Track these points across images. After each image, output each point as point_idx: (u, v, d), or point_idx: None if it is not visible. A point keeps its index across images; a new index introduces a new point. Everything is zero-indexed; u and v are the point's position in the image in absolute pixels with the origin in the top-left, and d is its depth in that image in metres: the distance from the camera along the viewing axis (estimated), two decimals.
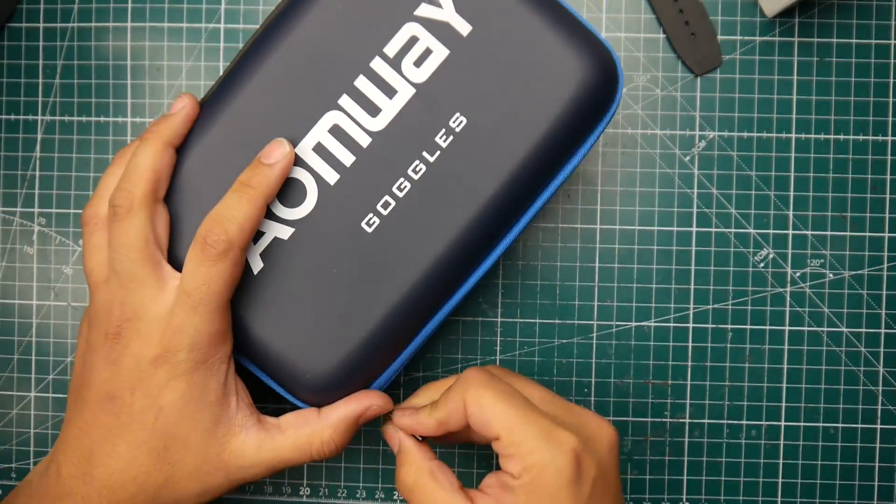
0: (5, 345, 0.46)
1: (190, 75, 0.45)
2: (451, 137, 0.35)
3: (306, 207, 0.36)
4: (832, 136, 0.44)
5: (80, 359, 0.36)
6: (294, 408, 0.37)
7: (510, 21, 0.35)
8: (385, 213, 0.35)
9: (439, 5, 0.35)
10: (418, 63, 0.35)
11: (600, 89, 0.35)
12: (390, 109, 0.35)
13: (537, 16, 0.35)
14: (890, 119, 0.44)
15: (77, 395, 0.35)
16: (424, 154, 0.35)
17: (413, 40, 0.35)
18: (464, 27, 0.35)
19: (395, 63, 0.35)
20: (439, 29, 0.35)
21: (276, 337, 0.36)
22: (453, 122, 0.35)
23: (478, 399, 0.33)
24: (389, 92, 0.35)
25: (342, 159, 0.36)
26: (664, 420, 0.44)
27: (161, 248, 0.35)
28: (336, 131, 0.36)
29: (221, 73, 0.35)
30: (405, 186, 0.35)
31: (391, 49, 0.35)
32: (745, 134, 0.44)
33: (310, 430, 0.35)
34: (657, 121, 0.44)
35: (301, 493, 0.45)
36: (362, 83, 0.35)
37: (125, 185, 0.34)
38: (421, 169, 0.35)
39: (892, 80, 0.44)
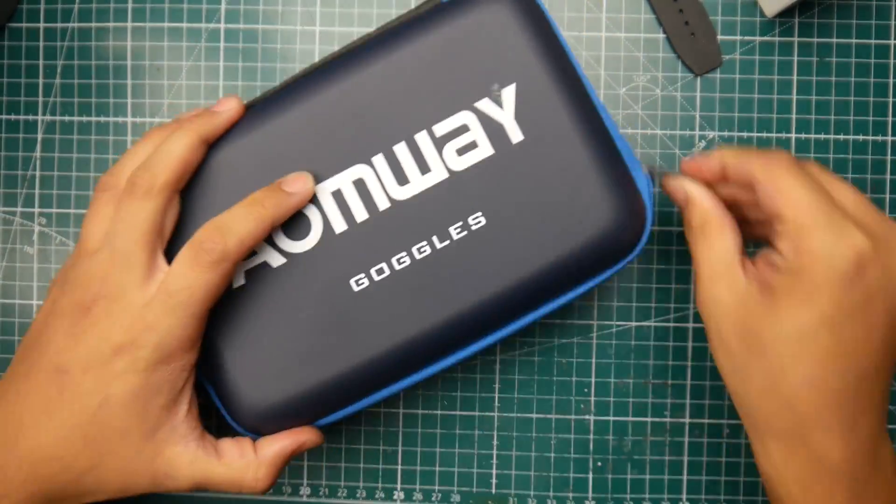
0: (5, 345, 0.46)
1: (190, 75, 0.45)
2: (464, 233, 0.35)
3: (305, 245, 0.36)
4: (832, 136, 0.44)
5: (41, 319, 0.35)
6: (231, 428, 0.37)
7: (560, 145, 0.35)
8: (376, 279, 0.35)
9: (501, 106, 0.35)
10: (461, 152, 0.35)
11: (621, 240, 0.35)
12: (418, 185, 0.35)
13: (587, 149, 0.35)
14: (890, 119, 0.44)
15: (26, 356, 0.34)
16: (434, 238, 0.35)
17: (463, 129, 0.35)
18: (516, 135, 0.35)
19: (439, 144, 0.35)
20: (492, 128, 0.35)
21: (232, 354, 0.36)
22: (472, 220, 0.35)
23: (774, 173, 0.33)
24: (423, 168, 0.35)
25: (356, 213, 0.36)
26: (664, 420, 0.44)
27: (163, 240, 0.34)
28: (359, 185, 0.36)
29: (281, 80, 0.35)
30: (404, 261, 0.35)
31: (440, 129, 0.35)
32: (745, 134, 0.44)
33: (245, 464, 0.35)
34: (657, 121, 0.44)
35: (301, 492, 0.45)
36: (401, 150, 0.35)
37: (151, 167, 0.34)
38: (425, 251, 0.35)
39: (892, 80, 0.44)
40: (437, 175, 0.35)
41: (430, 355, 0.36)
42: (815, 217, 0.31)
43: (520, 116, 0.35)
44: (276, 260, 0.36)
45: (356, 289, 0.35)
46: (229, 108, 0.36)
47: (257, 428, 0.36)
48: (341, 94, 0.36)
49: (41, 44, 0.45)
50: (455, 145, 0.35)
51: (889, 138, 0.44)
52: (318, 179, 0.36)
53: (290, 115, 0.36)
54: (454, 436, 0.45)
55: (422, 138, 0.35)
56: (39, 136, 0.46)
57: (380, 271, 0.35)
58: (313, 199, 0.36)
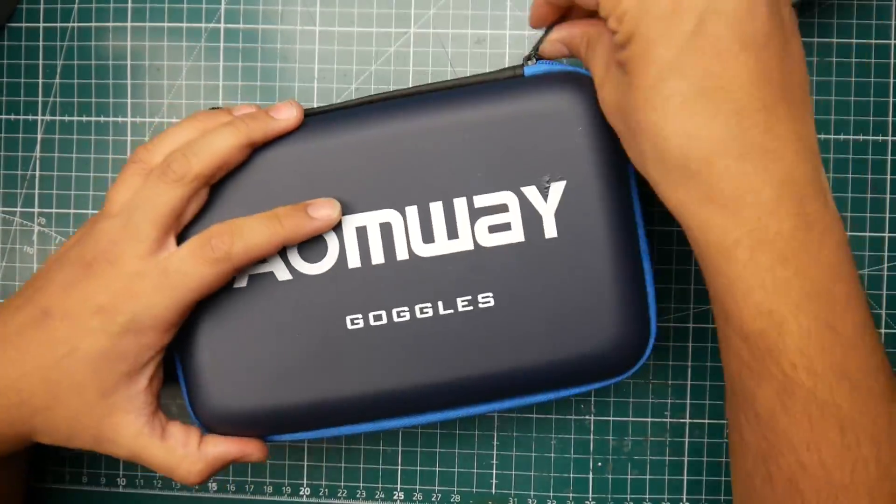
0: None
1: (190, 75, 0.45)
2: (470, 307, 0.35)
3: (315, 269, 0.36)
4: (832, 136, 0.44)
5: (52, 261, 0.36)
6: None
7: (589, 255, 0.35)
8: (372, 323, 0.36)
9: (545, 198, 0.35)
10: (493, 230, 0.35)
11: (614, 363, 0.36)
12: (442, 247, 0.35)
13: (614, 268, 0.35)
14: (890, 119, 0.44)
15: (26, 290, 0.36)
16: (439, 304, 0.35)
17: (502, 208, 0.35)
18: (551, 231, 0.35)
19: (474, 215, 0.35)
20: (530, 216, 0.35)
21: (211, 348, 0.36)
22: (482, 297, 0.35)
23: None
24: (452, 233, 0.35)
25: (373, 255, 0.36)
26: (664, 420, 0.44)
27: (179, 224, 0.35)
28: (385, 229, 0.36)
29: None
30: (404, 315, 0.35)
31: (480, 201, 0.35)
32: None
33: (184, 454, 0.36)
34: None
35: (301, 493, 0.45)
36: (436, 209, 0.35)
37: (190, 156, 0.34)
38: (427, 312, 0.35)
39: (892, 80, 0.44)
40: (463, 244, 0.35)
41: (399, 410, 0.37)
42: None
43: (560, 214, 0.35)
44: (283, 274, 0.36)
45: (350, 326, 0.36)
46: (288, 118, 0.36)
47: (210, 425, 0.37)
48: (397, 136, 0.36)
49: (41, 44, 0.45)
50: (489, 221, 0.35)
51: (889, 138, 0.44)
52: (348, 210, 0.36)
53: (341, 138, 0.36)
54: (454, 436, 0.45)
55: (459, 204, 0.35)
56: (39, 136, 0.46)
57: (378, 317, 0.36)
58: (337, 228, 0.36)
